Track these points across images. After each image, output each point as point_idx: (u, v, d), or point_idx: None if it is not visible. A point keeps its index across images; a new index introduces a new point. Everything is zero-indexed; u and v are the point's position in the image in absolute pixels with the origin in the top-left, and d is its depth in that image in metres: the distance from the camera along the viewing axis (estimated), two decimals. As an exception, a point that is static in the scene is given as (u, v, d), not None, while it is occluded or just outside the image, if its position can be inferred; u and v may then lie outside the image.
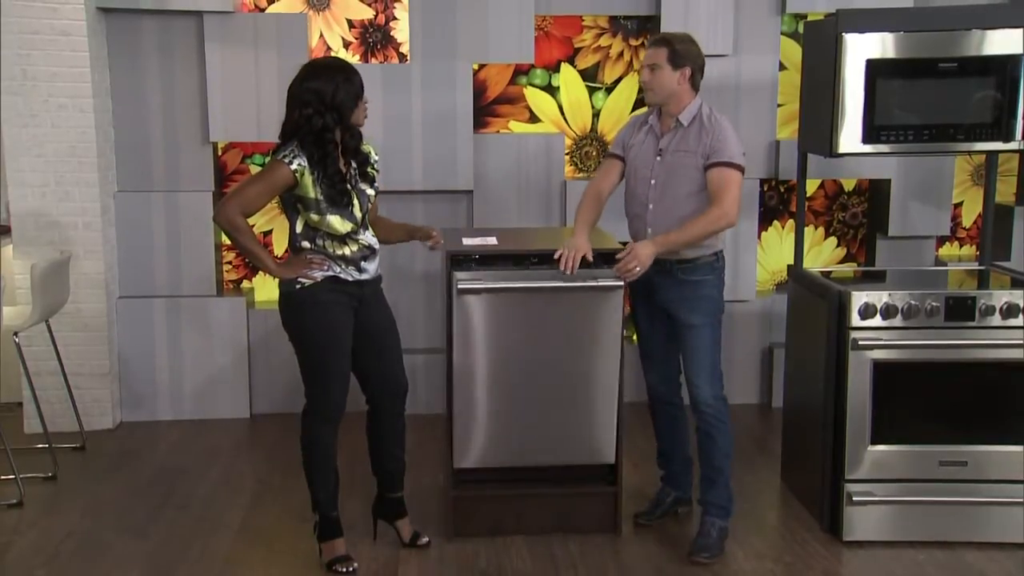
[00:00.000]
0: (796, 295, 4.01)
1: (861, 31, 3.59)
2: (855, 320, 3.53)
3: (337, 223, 3.26)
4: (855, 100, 3.62)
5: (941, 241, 5.40)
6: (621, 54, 5.18)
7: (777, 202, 5.35)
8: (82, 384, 4.77)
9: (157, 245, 4.93)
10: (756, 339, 5.19)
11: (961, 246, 5.51)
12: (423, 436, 4.54)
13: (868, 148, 3.69)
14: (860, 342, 3.52)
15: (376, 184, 3.42)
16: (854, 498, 3.56)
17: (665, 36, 3.54)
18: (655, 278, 3.52)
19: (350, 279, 3.34)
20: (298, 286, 3.30)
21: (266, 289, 5.28)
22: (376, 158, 3.44)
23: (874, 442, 3.56)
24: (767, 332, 5.17)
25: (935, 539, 3.57)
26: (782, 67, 5.06)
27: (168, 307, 4.95)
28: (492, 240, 3.74)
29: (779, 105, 5.08)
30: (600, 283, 3.53)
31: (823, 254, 5.45)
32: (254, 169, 5.16)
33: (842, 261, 5.45)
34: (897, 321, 3.53)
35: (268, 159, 3.33)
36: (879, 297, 3.53)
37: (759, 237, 5.25)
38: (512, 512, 3.68)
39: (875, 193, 5.30)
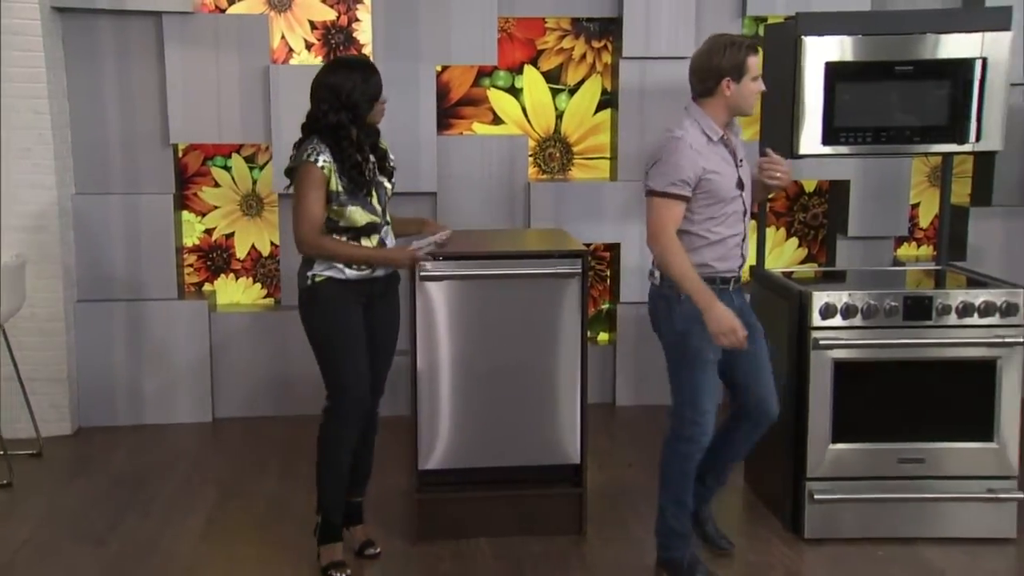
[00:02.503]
0: (758, 296, 4.04)
1: (820, 34, 3.64)
2: (816, 320, 3.57)
3: (358, 215, 3.27)
4: (815, 102, 3.66)
5: (899, 241, 5.47)
6: (584, 56, 5.20)
7: (739, 203, 5.38)
8: (39, 389, 4.69)
9: (116, 248, 4.87)
10: (719, 339, 5.20)
11: (919, 246, 5.59)
12: (386, 439, 4.51)
13: (827, 150, 3.74)
14: (821, 342, 3.56)
15: (394, 179, 3.46)
16: (816, 496, 3.59)
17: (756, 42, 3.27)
18: (736, 295, 3.32)
19: (359, 277, 3.33)
20: (309, 282, 3.30)
21: (228, 292, 5.23)
22: (392, 156, 3.48)
23: (835, 441, 3.59)
24: (730, 332, 5.19)
25: (895, 535, 3.61)
26: (743, 69, 5.09)
27: (128, 311, 4.89)
28: (446, 233, 3.67)
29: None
30: (559, 270, 3.54)
31: (785, 255, 5.50)
32: (216, 172, 5.12)
33: (803, 261, 5.50)
34: (857, 321, 3.57)
35: (292, 158, 3.32)
36: (839, 297, 3.57)
37: (721, 238, 5.28)
38: (477, 514, 3.67)
39: (835, 194, 5.36)
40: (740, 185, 3.24)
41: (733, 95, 3.18)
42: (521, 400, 3.62)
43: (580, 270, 3.59)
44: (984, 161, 5.17)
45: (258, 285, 5.25)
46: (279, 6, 5.01)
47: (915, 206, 5.46)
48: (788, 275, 3.98)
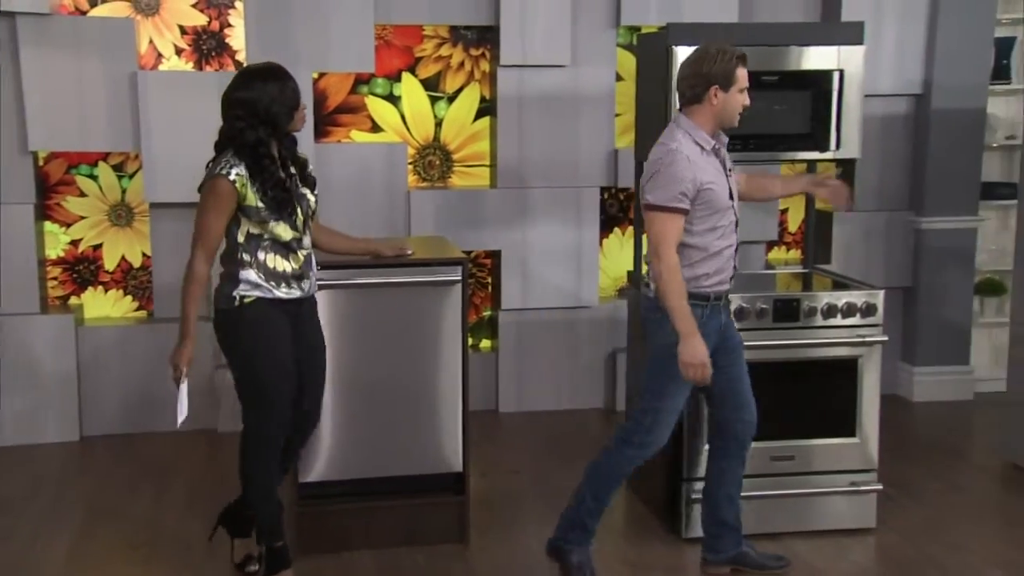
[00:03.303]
0: (635, 300, 4.11)
1: (690, 44, 3.71)
2: (690, 323, 3.65)
3: (281, 230, 3.14)
4: (686, 111, 3.74)
5: (770, 246, 5.65)
6: (462, 64, 5.21)
7: (617, 209, 5.49)
8: None
9: (-28, 261, 4.62)
10: (600, 344, 5.29)
11: (788, 250, 5.78)
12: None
13: (699, 157, 3.82)
14: (695, 345, 3.64)
15: (316, 190, 3.31)
16: (693, 497, 3.67)
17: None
18: (725, 310, 3.35)
19: (288, 296, 3.20)
20: (236, 303, 3.15)
21: (97, 305, 5.02)
22: (311, 165, 3.35)
23: (710, 442, 3.68)
24: (611, 337, 5.28)
25: (768, 531, 3.71)
26: (619, 78, 5.19)
27: (-14, 327, 4.65)
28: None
29: (617, 115, 5.21)
30: (439, 278, 3.54)
31: (662, 260, 5.60)
32: (82, 181, 4.91)
33: (680, 266, 5.62)
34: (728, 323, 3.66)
35: (205, 173, 3.13)
36: (712, 301, 3.66)
37: (600, 244, 5.36)
38: (359, 526, 3.62)
39: (709, 200, 5.50)
40: (731, 195, 3.26)
41: (720, 104, 3.19)
42: (402, 409, 3.60)
43: (460, 278, 3.58)
44: (847, 168, 5.39)
45: (129, 298, 5.06)
46: (145, 10, 4.85)
47: (784, 211, 5.66)
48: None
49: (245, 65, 3.26)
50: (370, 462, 3.60)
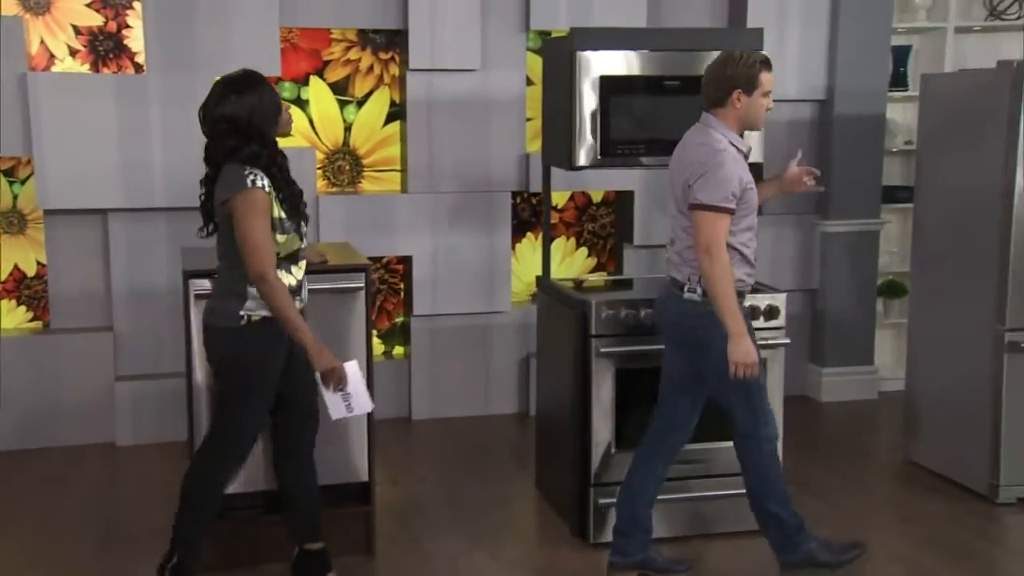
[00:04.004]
0: (544, 305, 4.11)
1: (594, 49, 3.73)
2: (597, 329, 3.65)
3: (294, 241, 3.08)
4: (592, 116, 3.75)
5: (682, 249, 5.70)
6: (371, 67, 5.15)
7: (530, 214, 5.48)
8: None
9: None
10: (513, 349, 5.28)
11: (700, 254, 5.84)
12: (162, 466, 4.30)
13: (606, 161, 3.83)
14: (602, 350, 3.64)
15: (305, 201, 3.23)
16: (600, 502, 3.67)
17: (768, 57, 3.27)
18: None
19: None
20: (243, 321, 3.04)
21: (-11, 316, 4.84)
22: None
23: (618, 447, 3.69)
24: (524, 342, 5.27)
25: (676, 535, 3.73)
26: (530, 82, 5.19)
27: None
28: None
29: (528, 119, 5.20)
30: (341, 285, 3.47)
31: (575, 264, 5.62)
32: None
33: (593, 270, 5.65)
34: (637, 328, 3.67)
35: (223, 189, 3.00)
36: (619, 306, 3.66)
37: (513, 249, 5.35)
38: (262, 539, 3.53)
39: (621, 205, 5.54)
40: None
41: (743, 108, 3.21)
42: (305, 419, 3.52)
43: (363, 284, 3.52)
44: (753, 172, 5.45)
45: (23, 308, 4.88)
46: (35, 8, 4.67)
47: (695, 215, 5.71)
48: (579, 284, 4.08)
49: (220, 77, 3.16)
50: (273, 474, 3.50)
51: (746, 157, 3.30)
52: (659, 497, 3.65)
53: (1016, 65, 3.86)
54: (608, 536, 3.68)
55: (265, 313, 3.05)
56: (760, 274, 5.16)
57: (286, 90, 5.05)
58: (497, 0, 5.04)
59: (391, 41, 5.13)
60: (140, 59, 4.74)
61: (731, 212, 3.17)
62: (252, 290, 3.04)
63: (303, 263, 3.17)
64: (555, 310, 3.94)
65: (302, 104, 5.08)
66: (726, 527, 3.77)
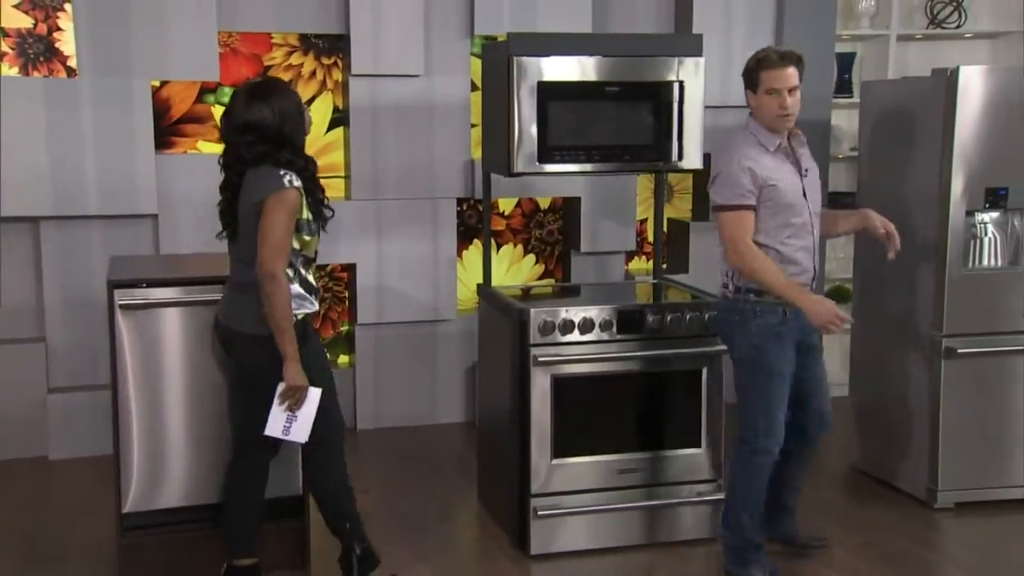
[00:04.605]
0: (485, 313, 4.06)
1: (531, 55, 3.69)
2: (535, 337, 3.61)
3: (315, 242, 3.15)
4: (530, 121, 3.70)
5: (631, 256, 5.69)
6: (314, 73, 5.07)
7: (477, 220, 5.43)
8: None
9: None
10: (460, 358, 5.22)
11: (648, 260, 5.83)
12: (86, 479, 4.20)
13: (544, 168, 3.78)
14: (540, 358, 3.60)
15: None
16: (539, 512, 3.62)
17: (795, 53, 3.29)
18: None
19: (313, 311, 3.19)
20: (293, 320, 3.05)
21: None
22: None
23: (556, 456, 3.64)
24: (471, 350, 5.20)
25: (617, 545, 3.69)
26: (475, 87, 5.14)
27: None
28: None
29: (473, 126, 5.15)
30: None
31: (523, 271, 5.58)
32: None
33: (541, 277, 5.61)
34: (574, 336, 3.63)
35: (257, 189, 3.00)
36: (556, 314, 3.62)
37: (460, 256, 5.30)
38: (190, 556, 3.43)
39: (568, 211, 5.51)
40: (804, 195, 3.30)
41: (755, 106, 3.29)
42: (231, 432, 3.43)
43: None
44: (702, 178, 5.45)
45: (-47, 318, 4.75)
46: (-39, 11, 4.57)
47: (643, 222, 5.70)
48: (527, 291, 4.06)
49: (242, 84, 3.22)
50: (201, 488, 3.43)
51: (788, 153, 3.32)
52: (599, 507, 3.66)
53: (949, 73, 3.88)
54: (547, 548, 3.65)
55: (306, 309, 3.11)
56: (710, 280, 5.17)
57: (226, 95, 4.96)
58: (441, 5, 4.99)
59: (334, 46, 5.06)
60: (72, 63, 4.63)
61: (747, 208, 3.23)
62: (293, 287, 3.06)
63: (315, 264, 3.22)
64: (495, 318, 3.90)
65: (243, 110, 4.99)
66: (671, 536, 3.74)
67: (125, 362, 3.33)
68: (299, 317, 3.08)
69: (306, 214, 3.09)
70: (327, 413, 3.19)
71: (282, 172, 3.02)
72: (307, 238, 3.10)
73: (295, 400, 3.06)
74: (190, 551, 3.43)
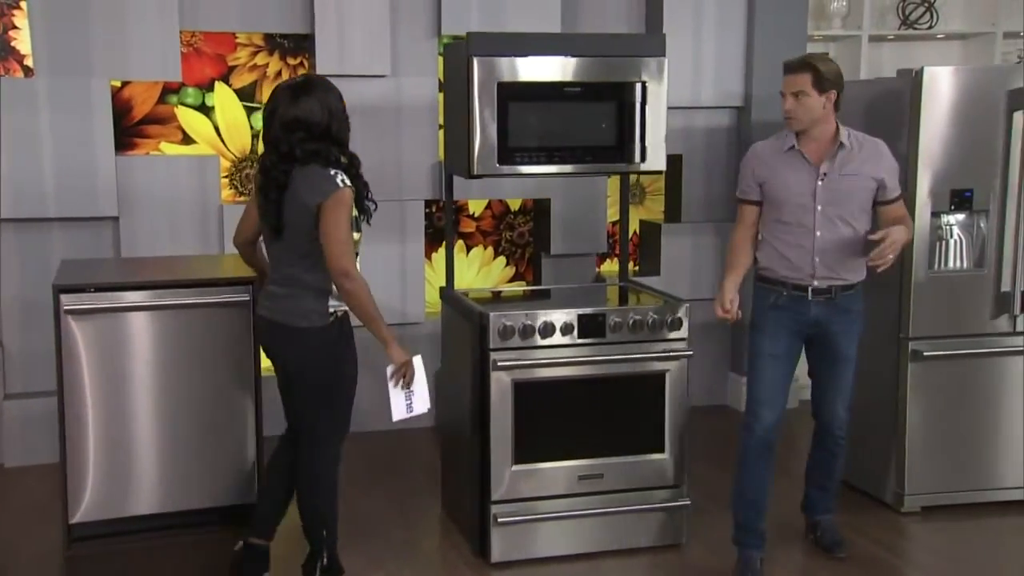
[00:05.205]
0: (447, 317, 4.00)
1: (491, 55, 3.63)
2: (495, 341, 3.55)
3: (361, 237, 3.18)
4: (490, 122, 3.65)
5: (603, 258, 5.64)
6: (279, 73, 5.01)
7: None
8: None
9: None
10: (428, 361, 5.07)
11: (621, 262, 5.78)
12: (49, 488, 4.11)
13: (504, 169, 3.72)
14: (499, 363, 3.54)
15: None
16: (499, 519, 3.57)
17: (807, 60, 3.39)
18: (818, 306, 3.43)
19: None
20: (333, 318, 3.14)
21: None
22: None
23: (517, 462, 3.58)
24: (439, 353, 5.14)
25: (580, 552, 3.64)
26: (443, 88, 5.07)
27: None
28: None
29: (441, 127, 5.09)
30: (223, 299, 3.35)
31: (493, 273, 5.53)
32: None
33: (511, 280, 5.56)
34: (535, 340, 3.58)
35: (318, 190, 3.00)
36: (516, 318, 3.57)
37: (429, 258, 5.24)
38: (140, 568, 3.37)
39: (539, 213, 5.45)
40: (813, 197, 3.37)
41: None
42: (189, 439, 3.40)
43: (248, 298, 3.39)
44: (674, 180, 5.42)
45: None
46: (-92, 8, 4.49)
47: (615, 223, 5.64)
48: (497, 294, 4.00)
49: (282, 83, 3.16)
50: (151, 497, 3.38)
51: (804, 155, 3.41)
52: (562, 513, 3.62)
53: (915, 73, 3.84)
54: (509, 556, 3.59)
55: (345, 307, 3.16)
56: (681, 282, 5.16)
57: (189, 96, 4.90)
58: (408, 4, 4.93)
59: (299, 46, 5.00)
60: (28, 62, 4.56)
61: (747, 202, 3.49)
62: (334, 288, 3.10)
63: None
64: (456, 322, 3.84)
65: (207, 111, 4.93)
66: (636, 542, 3.69)
67: (81, 368, 3.26)
68: (338, 314, 3.13)
69: (355, 211, 3.11)
70: (333, 414, 3.19)
71: (332, 172, 3.02)
72: (356, 236, 3.12)
73: (407, 376, 3.14)
74: (148, 561, 3.37)
